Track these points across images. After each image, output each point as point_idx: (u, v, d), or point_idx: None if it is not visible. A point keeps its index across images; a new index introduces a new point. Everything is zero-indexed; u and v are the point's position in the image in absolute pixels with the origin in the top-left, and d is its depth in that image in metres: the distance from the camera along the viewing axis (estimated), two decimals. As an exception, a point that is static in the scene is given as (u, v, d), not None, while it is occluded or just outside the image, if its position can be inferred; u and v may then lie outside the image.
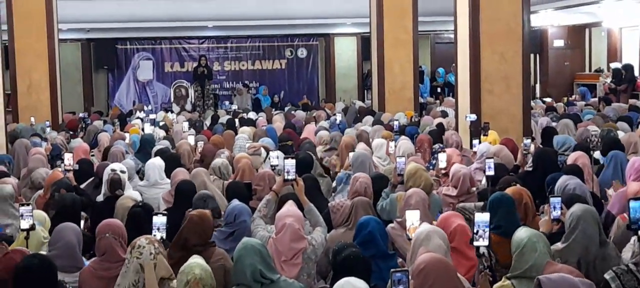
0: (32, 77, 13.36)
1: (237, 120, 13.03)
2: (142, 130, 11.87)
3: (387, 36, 14.44)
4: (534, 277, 3.66)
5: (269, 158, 7.77)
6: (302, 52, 21.68)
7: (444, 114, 12.64)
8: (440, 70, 20.74)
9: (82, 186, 7.34)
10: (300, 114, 14.60)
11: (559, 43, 21.38)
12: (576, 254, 4.55)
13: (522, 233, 4.20)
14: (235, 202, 5.63)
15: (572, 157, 7.10)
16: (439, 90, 20.11)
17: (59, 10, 14.03)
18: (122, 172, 6.77)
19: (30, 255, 3.97)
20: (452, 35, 11.72)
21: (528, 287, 3.80)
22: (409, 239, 4.73)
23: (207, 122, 14.27)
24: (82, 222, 5.84)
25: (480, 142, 8.79)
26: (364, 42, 19.31)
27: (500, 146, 8.35)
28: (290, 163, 5.45)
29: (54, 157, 9.32)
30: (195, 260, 3.92)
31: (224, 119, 13.75)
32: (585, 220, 4.59)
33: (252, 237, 4.97)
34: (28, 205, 5.16)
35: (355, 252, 4.11)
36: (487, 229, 4.18)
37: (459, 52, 10.51)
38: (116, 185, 6.51)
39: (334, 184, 7.58)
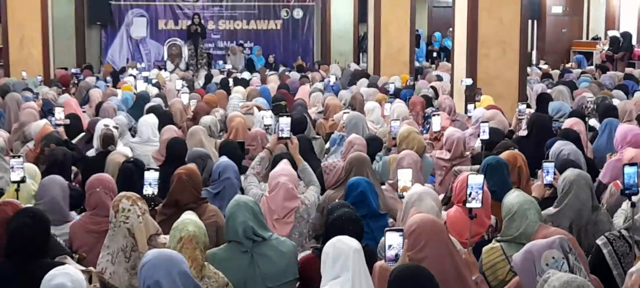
0: (25, 30, 13.23)
1: (230, 80, 12.96)
2: (135, 87, 11.79)
3: (384, -2, 14.35)
4: (523, 243, 3.67)
5: (262, 118, 7.71)
6: (298, 13, 21.49)
7: (439, 79, 12.59)
8: (437, 34, 20.63)
9: (73, 141, 7.29)
10: (294, 75, 14.52)
11: (557, 9, 21.28)
12: (568, 218, 4.55)
13: (513, 198, 4.20)
14: (222, 159, 5.59)
15: (568, 123, 7.06)
16: (435, 54, 20.02)
17: (53, -37, 13.85)
18: (115, 127, 6.75)
19: (21, 212, 3.89)
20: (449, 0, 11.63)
21: (516, 250, 3.79)
22: (401, 198, 4.71)
23: (200, 82, 14.18)
24: (72, 176, 5.80)
25: (475, 107, 8.75)
26: (361, 4, 19.15)
27: (494, 110, 8.31)
28: (285, 121, 5.40)
29: (46, 112, 9.24)
30: (189, 217, 3.88)
31: (217, 78, 13.67)
32: (577, 184, 4.58)
33: (245, 194, 4.95)
34: (19, 157, 5.16)
35: (348, 211, 4.08)
36: (480, 191, 4.16)
37: (457, 15, 10.43)
38: (109, 140, 6.49)
39: (327, 145, 7.54)
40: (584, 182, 4.62)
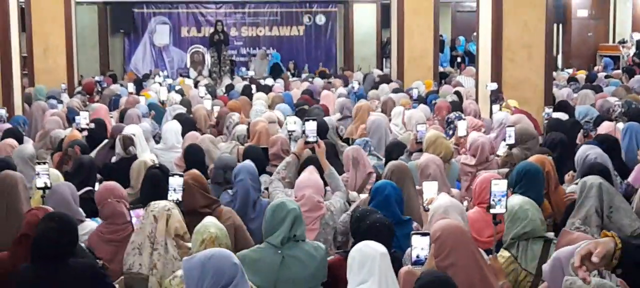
0: (49, 40, 13.33)
1: (253, 86, 12.95)
2: (159, 94, 11.81)
3: (408, 4, 14.28)
4: (524, 241, 3.79)
5: (286, 124, 7.68)
6: (320, 19, 21.49)
7: (461, 84, 12.51)
8: (461, 39, 20.53)
9: (97, 148, 7.31)
10: (317, 81, 14.50)
11: (583, 13, 21.08)
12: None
13: (513, 200, 4.23)
14: (241, 163, 5.57)
15: (603, 129, 6.99)
16: (459, 59, 19.91)
17: (76, -28, 13.96)
18: (133, 134, 6.76)
19: (48, 216, 3.88)
20: (473, 4, 11.55)
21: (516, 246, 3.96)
22: (426, 210, 4.63)
23: (223, 88, 14.19)
24: (96, 184, 5.80)
25: (500, 109, 8.68)
26: (384, 9, 19.11)
27: (519, 115, 8.22)
28: (311, 125, 5.35)
29: (70, 120, 9.28)
30: (210, 220, 3.93)
31: (240, 85, 13.67)
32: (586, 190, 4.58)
33: (271, 199, 4.91)
34: (44, 163, 5.17)
35: (381, 218, 4.02)
36: (503, 197, 4.12)
37: (481, 19, 10.33)
38: (128, 141, 6.50)
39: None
40: (595, 188, 4.56)
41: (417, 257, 3.52)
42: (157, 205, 4.13)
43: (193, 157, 6.12)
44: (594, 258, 2.20)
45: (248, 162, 5.50)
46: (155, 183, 5.12)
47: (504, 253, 4.13)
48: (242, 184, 5.26)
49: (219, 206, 4.81)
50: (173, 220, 4.07)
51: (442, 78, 15.14)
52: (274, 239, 3.98)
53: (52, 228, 3.70)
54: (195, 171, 5.05)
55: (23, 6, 12.94)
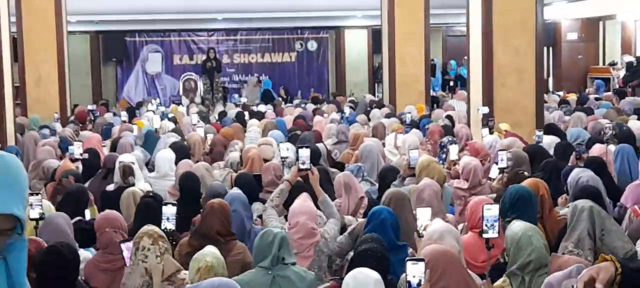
0: (41, 69, 13.33)
1: (246, 113, 12.97)
2: (151, 121, 11.81)
3: (399, 29, 14.35)
4: (531, 272, 3.68)
5: (279, 150, 7.68)
6: (312, 45, 21.59)
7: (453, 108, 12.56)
8: (452, 63, 20.63)
9: (92, 178, 7.30)
10: (310, 107, 14.54)
11: (573, 36, 21.23)
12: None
13: (515, 227, 4.12)
14: (231, 191, 5.56)
15: (595, 151, 7.02)
16: (451, 83, 20.00)
17: (68, 2, 13.99)
18: (130, 162, 6.74)
19: (49, 249, 3.89)
20: (463, 29, 11.62)
21: (521, 279, 3.86)
22: (420, 236, 4.63)
23: (216, 116, 14.20)
24: (87, 213, 5.78)
25: (490, 133, 8.73)
26: (375, 34, 19.22)
27: (512, 138, 8.25)
28: (305, 153, 5.35)
29: (63, 150, 9.27)
30: (208, 249, 3.93)
31: (232, 111, 13.69)
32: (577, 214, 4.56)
33: (264, 226, 4.91)
34: (37, 194, 5.15)
35: (375, 247, 4.01)
36: (496, 222, 4.12)
37: (472, 44, 10.40)
38: (128, 171, 6.49)
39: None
40: (586, 212, 4.55)
41: (411, 283, 3.52)
42: (148, 253, 3.98)
43: (188, 184, 6.11)
44: (598, 285, 2.17)
45: (238, 192, 5.50)
46: (148, 212, 5.12)
47: (504, 280, 4.03)
48: (235, 215, 5.24)
49: (234, 239, 4.79)
50: (167, 266, 4.00)
51: (434, 102, 15.19)
52: (264, 263, 4.03)
53: (53, 262, 3.71)
54: (221, 200, 5.02)
55: (15, 36, 12.96)
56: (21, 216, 1.86)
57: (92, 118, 13.18)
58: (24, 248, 1.97)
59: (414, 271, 3.53)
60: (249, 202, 5.73)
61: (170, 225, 4.66)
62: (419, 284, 3.52)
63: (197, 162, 7.69)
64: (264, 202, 5.73)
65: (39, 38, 13.24)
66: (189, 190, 5.99)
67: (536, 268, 3.89)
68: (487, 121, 9.59)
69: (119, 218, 4.75)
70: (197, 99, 19.41)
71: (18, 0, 12.97)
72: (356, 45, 20.93)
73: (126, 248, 4.25)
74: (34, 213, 5.02)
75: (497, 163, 6.90)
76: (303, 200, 5.02)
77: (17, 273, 1.97)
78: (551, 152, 7.59)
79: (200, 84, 20.05)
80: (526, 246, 3.98)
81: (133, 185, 6.55)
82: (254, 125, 10.55)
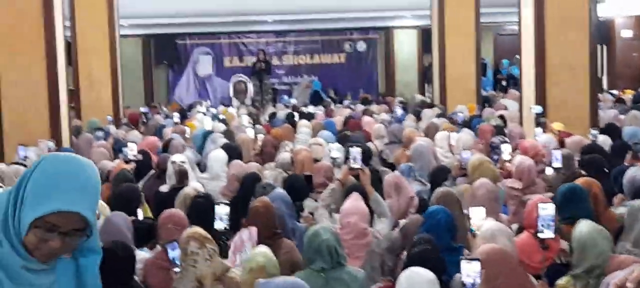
0: (94, 73, 13.55)
1: (296, 114, 13.01)
2: (201, 123, 11.92)
3: (449, 28, 14.24)
4: (596, 277, 3.59)
5: (329, 150, 7.68)
6: (361, 46, 21.55)
7: (506, 107, 12.42)
8: (504, 62, 20.39)
9: (144, 179, 7.39)
10: (360, 108, 14.50)
11: (627, 33, 20.79)
12: None
13: (582, 228, 4.02)
14: (273, 193, 5.57)
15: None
16: (503, 82, 19.77)
17: (120, 6, 14.21)
18: (183, 162, 6.80)
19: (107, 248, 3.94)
20: (515, 27, 11.47)
21: (586, 283, 3.76)
22: (473, 235, 4.58)
23: (266, 117, 14.26)
24: (139, 212, 5.84)
25: (544, 132, 8.60)
26: (425, 34, 19.09)
27: (578, 138, 8.09)
28: (356, 151, 5.34)
29: (116, 151, 9.40)
30: (260, 249, 3.95)
31: (282, 113, 13.74)
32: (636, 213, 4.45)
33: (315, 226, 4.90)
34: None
35: (428, 249, 3.98)
36: (552, 221, 4.04)
37: (524, 42, 10.26)
38: (183, 176, 6.55)
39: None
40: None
41: (466, 283, 3.47)
42: (197, 257, 3.98)
43: (248, 184, 6.16)
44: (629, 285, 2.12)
45: (279, 191, 5.51)
46: (200, 213, 5.15)
47: (567, 278, 3.94)
48: (277, 212, 5.25)
49: (280, 237, 4.80)
50: (216, 268, 4.00)
51: (485, 102, 15.03)
52: (316, 265, 4.05)
53: (109, 261, 3.75)
54: (266, 199, 5.04)
55: (69, 41, 13.20)
56: (89, 218, 1.90)
57: (144, 120, 13.36)
58: (98, 253, 2.02)
59: (469, 270, 3.49)
60: (299, 201, 5.75)
61: (223, 224, 4.68)
62: (473, 284, 3.48)
63: (247, 162, 7.73)
64: (315, 200, 5.73)
65: (92, 42, 13.48)
66: (248, 190, 6.02)
67: (603, 274, 3.75)
68: (540, 120, 9.45)
69: (183, 217, 4.75)
70: (247, 101, 19.52)
71: (72, 5, 13.21)
72: (406, 45, 20.82)
73: (172, 248, 4.28)
74: (89, 214, 5.08)
75: (550, 164, 6.80)
76: (354, 200, 5.01)
77: (88, 277, 2.01)
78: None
79: (250, 86, 20.16)
80: (591, 249, 3.87)
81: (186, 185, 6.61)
82: (304, 126, 10.56)
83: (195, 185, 6.63)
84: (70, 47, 13.23)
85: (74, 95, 13.38)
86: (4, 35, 9.30)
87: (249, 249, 4.32)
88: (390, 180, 6.07)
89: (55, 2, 9.50)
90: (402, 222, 5.24)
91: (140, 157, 7.84)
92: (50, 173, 1.89)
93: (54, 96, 9.88)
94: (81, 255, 2.00)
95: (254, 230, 4.60)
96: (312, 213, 5.63)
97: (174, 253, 4.20)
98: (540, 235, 4.08)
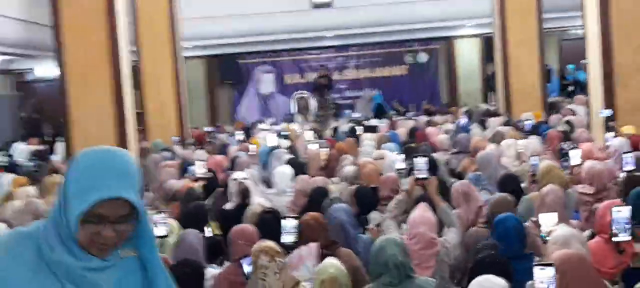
0: (160, 96, 13.82)
1: (359, 128, 13.00)
2: (265, 140, 12.00)
3: (511, 36, 14.05)
4: None
5: (394, 162, 7.65)
6: (422, 57, 21.44)
7: (573, 112, 12.18)
8: (570, 67, 20.03)
9: (211, 196, 7.47)
10: (423, 119, 14.43)
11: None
12: None
13: None
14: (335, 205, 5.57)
15: None
16: (570, 88, 19.40)
17: (183, 29, 14.47)
18: (244, 179, 6.86)
19: (179, 264, 3.98)
20: (579, 32, 11.27)
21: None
22: (544, 241, 4.49)
23: (329, 132, 14.29)
24: (207, 229, 5.91)
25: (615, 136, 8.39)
26: (487, 43, 18.90)
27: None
28: (422, 161, 5.30)
29: (184, 170, 9.54)
30: (330, 260, 3.96)
31: (345, 127, 13.75)
32: None
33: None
34: (161, 213, 5.30)
35: (493, 254, 3.92)
36: (628, 224, 3.93)
37: (590, 46, 10.07)
38: (245, 193, 6.61)
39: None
40: None
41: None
42: (267, 271, 3.99)
43: (315, 198, 6.20)
44: None
45: (341, 204, 5.54)
46: (268, 228, 5.18)
47: None
48: (337, 222, 5.27)
49: (338, 247, 4.81)
50: (286, 282, 4.01)
51: (551, 108, 14.77)
52: (384, 279, 3.98)
53: (185, 274, 3.82)
54: (314, 213, 5.07)
55: (135, 65, 13.50)
56: (133, 201, 1.90)
57: (210, 139, 13.54)
58: (153, 238, 2.04)
59: (543, 277, 3.41)
60: (366, 214, 5.75)
61: (291, 238, 4.69)
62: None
63: (313, 177, 7.75)
64: (381, 212, 5.71)
65: (157, 65, 13.77)
66: (317, 203, 6.04)
67: None
68: (609, 124, 9.24)
69: (254, 232, 4.80)
70: (310, 117, 19.60)
71: (137, 31, 13.52)
72: (468, 55, 20.64)
73: (247, 263, 4.31)
74: (160, 231, 5.18)
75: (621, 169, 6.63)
76: (422, 210, 4.97)
77: (153, 269, 2.02)
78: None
79: (312, 102, 20.25)
80: None
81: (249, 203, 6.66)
82: (367, 139, 10.55)
83: (260, 200, 6.67)
84: (135, 72, 13.53)
85: (140, 117, 13.66)
86: (76, 63, 9.54)
87: (311, 265, 4.32)
88: (459, 189, 6.00)
89: (120, 28, 9.73)
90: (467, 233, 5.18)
91: (208, 174, 7.94)
92: (87, 166, 1.91)
93: (121, 119, 10.10)
94: (140, 248, 2.02)
95: (314, 246, 4.61)
96: (377, 226, 5.61)
97: (249, 268, 4.23)
98: (615, 239, 3.97)
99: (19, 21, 15.40)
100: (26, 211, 6.53)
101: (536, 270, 3.43)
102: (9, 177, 9.11)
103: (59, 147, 13.82)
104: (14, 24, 15.31)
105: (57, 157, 12.88)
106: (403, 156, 7.77)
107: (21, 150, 14.51)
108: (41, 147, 14.83)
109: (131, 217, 1.92)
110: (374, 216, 5.91)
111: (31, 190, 7.80)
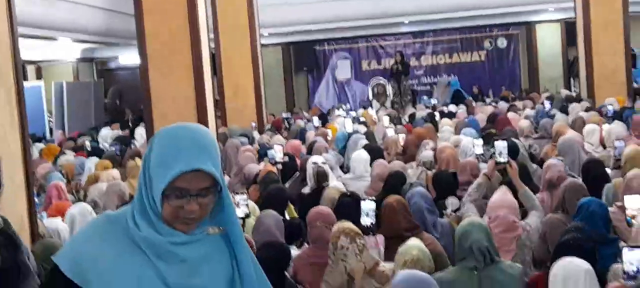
0: (238, 82, 13.99)
1: (437, 113, 12.90)
2: (344, 126, 12.02)
3: (594, 19, 13.65)
4: None
5: (473, 146, 7.57)
6: (502, 42, 21.09)
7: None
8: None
9: (290, 180, 7.53)
10: (502, 105, 14.20)
11: None
12: None
13: None
14: (413, 190, 5.52)
15: None
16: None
17: (261, 16, 14.59)
18: (323, 163, 6.89)
19: (265, 245, 4.11)
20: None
21: None
22: (630, 225, 4.37)
23: (406, 118, 14.22)
24: (285, 213, 5.96)
25: None
26: (569, 27, 18.45)
27: None
28: (502, 145, 5.23)
29: (261, 155, 9.63)
30: (413, 242, 3.95)
31: (423, 113, 13.66)
32: None
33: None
34: (243, 193, 5.38)
35: (578, 237, 3.82)
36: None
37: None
38: (323, 177, 6.64)
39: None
40: None
41: (629, 272, 3.31)
42: (347, 252, 4.02)
43: (392, 183, 6.17)
44: None
45: (419, 188, 5.48)
46: (346, 211, 5.19)
47: None
48: (416, 207, 5.24)
49: (420, 231, 4.79)
50: (366, 262, 4.03)
51: (636, 94, 14.32)
52: (468, 262, 3.95)
53: (270, 256, 3.89)
54: (398, 196, 5.05)
55: (214, 52, 13.69)
56: (214, 173, 1.92)
57: (287, 125, 13.64)
58: (234, 213, 2.06)
59: (632, 258, 3.32)
60: (444, 199, 5.70)
61: (369, 220, 4.70)
62: (637, 270, 3.31)
63: (390, 162, 7.72)
64: (460, 197, 5.66)
65: (235, 52, 13.93)
66: (395, 188, 6.02)
67: None
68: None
69: (331, 214, 4.82)
70: (387, 103, 19.52)
71: (215, 18, 13.71)
72: (549, 39, 20.20)
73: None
74: (240, 212, 5.25)
75: None
76: (503, 193, 4.90)
77: (238, 245, 2.05)
78: None
79: (389, 88, 20.17)
80: None
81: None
82: (446, 124, 10.46)
83: (337, 184, 6.69)
84: (214, 59, 13.72)
85: (218, 103, 13.85)
86: (157, 52, 9.72)
87: (376, 255, 4.31)
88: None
89: (200, 17, 9.86)
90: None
91: (286, 159, 7.99)
92: (166, 142, 1.94)
93: (202, 106, 10.25)
94: (224, 224, 2.03)
95: (381, 237, 4.59)
96: (455, 211, 5.56)
97: None
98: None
99: (103, 10, 15.82)
100: (111, 192, 6.73)
101: (625, 252, 3.35)
102: (95, 161, 9.39)
103: (140, 132, 14.15)
104: (97, 13, 15.74)
105: (138, 143, 13.19)
106: (481, 141, 7.67)
107: (105, 135, 14.95)
108: (123, 133, 15.22)
109: (212, 191, 1.95)
110: (451, 201, 5.86)
111: (115, 172, 8.03)
